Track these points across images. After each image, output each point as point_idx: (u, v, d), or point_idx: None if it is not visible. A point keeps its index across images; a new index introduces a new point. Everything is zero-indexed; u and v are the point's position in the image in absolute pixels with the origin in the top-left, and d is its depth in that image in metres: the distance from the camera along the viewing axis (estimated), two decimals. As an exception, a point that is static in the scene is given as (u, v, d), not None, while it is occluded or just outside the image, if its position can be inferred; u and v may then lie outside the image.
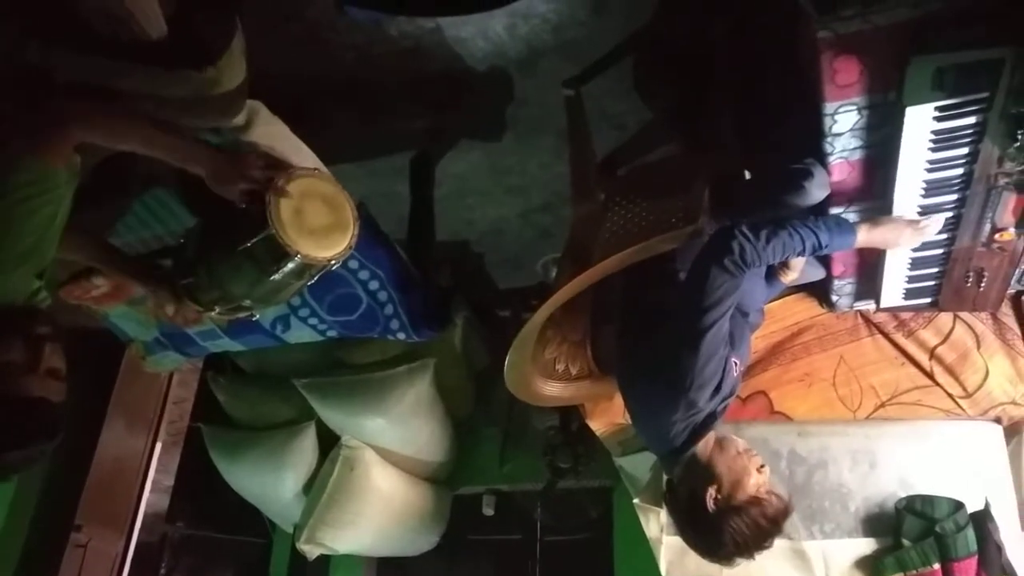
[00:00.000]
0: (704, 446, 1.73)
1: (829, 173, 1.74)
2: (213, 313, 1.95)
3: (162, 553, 3.96)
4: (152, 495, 3.90)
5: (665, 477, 1.91)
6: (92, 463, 3.57)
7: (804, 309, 2.28)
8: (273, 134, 1.82)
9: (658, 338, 1.80)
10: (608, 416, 2.80)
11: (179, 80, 1.55)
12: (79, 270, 2.54)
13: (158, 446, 3.91)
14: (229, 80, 1.62)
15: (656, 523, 2.62)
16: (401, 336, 2.64)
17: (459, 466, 3.69)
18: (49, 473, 3.61)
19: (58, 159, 1.35)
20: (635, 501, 2.71)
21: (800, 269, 1.99)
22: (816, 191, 1.71)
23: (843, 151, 1.71)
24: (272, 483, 3.41)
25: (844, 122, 1.66)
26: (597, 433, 2.91)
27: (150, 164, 1.78)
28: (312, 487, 3.39)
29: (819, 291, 2.21)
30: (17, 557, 3.57)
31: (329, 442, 3.39)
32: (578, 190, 2.25)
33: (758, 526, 1.66)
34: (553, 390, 2.37)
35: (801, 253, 1.67)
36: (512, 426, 3.53)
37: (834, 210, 1.84)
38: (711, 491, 1.68)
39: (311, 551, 3.35)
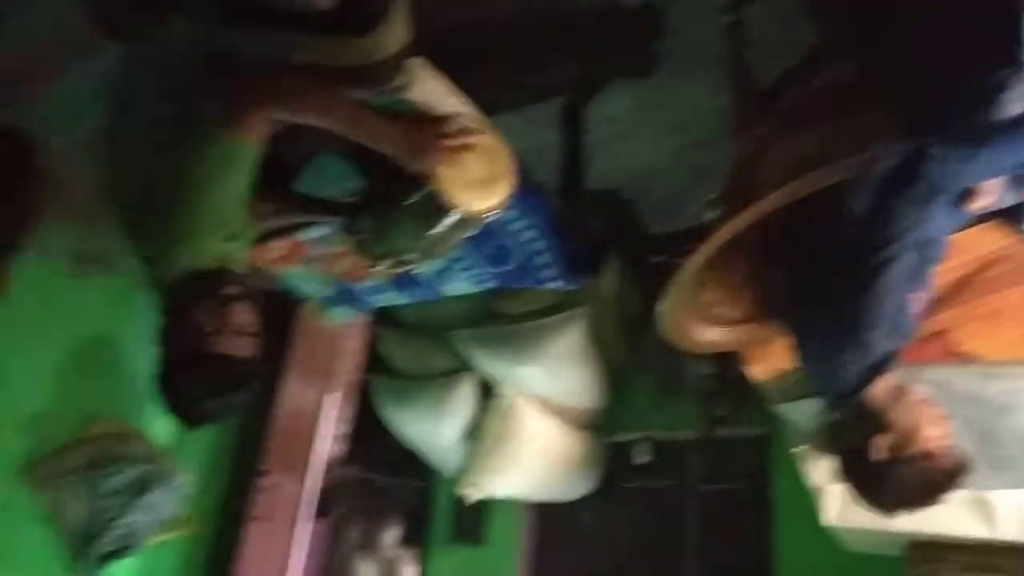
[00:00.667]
0: (877, 391, 1.65)
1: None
2: (381, 267, 2.05)
3: (339, 495, 4.27)
4: (329, 441, 4.22)
5: (831, 423, 1.83)
6: (275, 413, 3.91)
7: (994, 239, 2.08)
8: (433, 91, 1.87)
9: (829, 276, 1.72)
10: (769, 361, 2.71)
11: (345, 47, 1.62)
12: (258, 235, 2.77)
13: (333, 396, 4.22)
14: (392, 43, 1.67)
15: (819, 472, 2.54)
16: (555, 284, 2.67)
17: (613, 414, 3.71)
18: (239, 423, 3.99)
19: (249, 133, 1.45)
20: (797, 449, 2.63)
21: (995, 193, 1.81)
22: (1016, 102, 1.54)
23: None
24: (434, 430, 3.59)
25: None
26: (757, 379, 2.85)
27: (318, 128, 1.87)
28: (471, 434, 3.54)
29: (1012, 217, 2.01)
30: (218, 497, 3.99)
31: (488, 390, 3.51)
32: (739, 123, 2.16)
33: (926, 481, 1.58)
34: (711, 336, 2.34)
35: (1000, 173, 1.53)
36: (667, 373, 3.50)
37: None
38: (881, 440, 1.60)
39: (471, 495, 3.51)
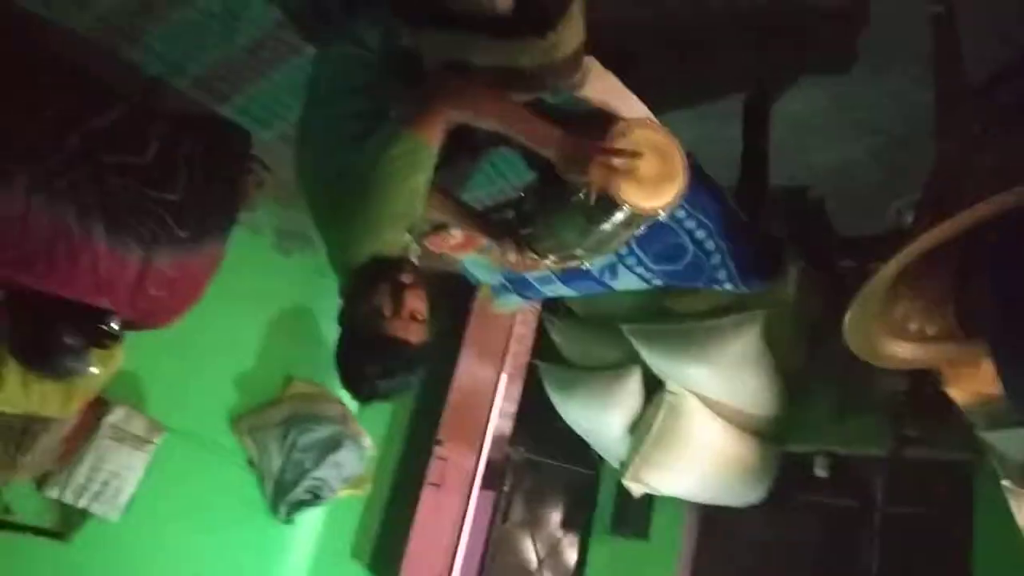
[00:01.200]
0: None
1: None
2: (548, 261, 2.07)
3: (505, 472, 4.42)
4: (499, 419, 4.39)
5: None
6: (451, 387, 4.11)
7: None
8: (605, 89, 1.85)
9: None
10: (973, 384, 2.47)
11: (524, 49, 1.63)
12: (439, 223, 2.90)
13: (504, 376, 4.37)
14: (568, 43, 1.67)
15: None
16: (728, 286, 2.56)
17: (789, 422, 3.50)
18: (419, 395, 4.24)
19: (430, 135, 1.52)
20: (1004, 483, 2.35)
21: None
22: None
23: None
24: (600, 420, 3.59)
25: None
26: (958, 402, 2.58)
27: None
28: (637, 428, 3.50)
29: None
30: (396, 461, 4.28)
31: (654, 386, 3.45)
32: (946, 120, 1.93)
33: None
34: (903, 352, 2.14)
35: None
36: (851, 386, 3.24)
37: None
38: None
39: (635, 489, 3.48)
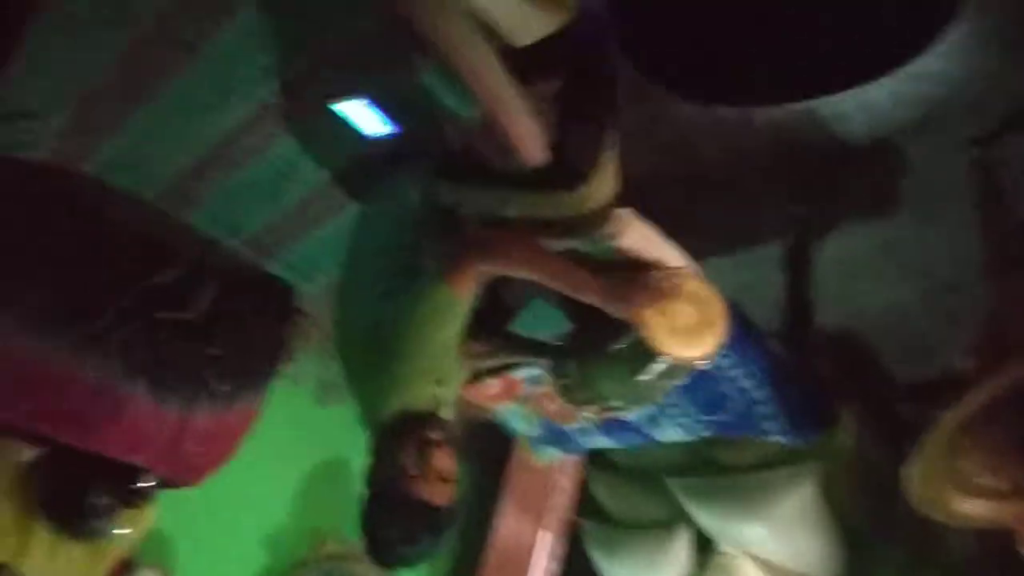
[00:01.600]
0: None
1: None
2: (587, 412, 2.02)
3: (549, 641, 4.09)
4: (541, 580, 4.12)
5: None
6: (489, 546, 3.91)
7: None
8: (641, 238, 1.87)
9: None
10: (1049, 543, 2.27)
11: (555, 201, 1.68)
12: (476, 372, 2.88)
13: (547, 533, 4.15)
14: (600, 194, 1.71)
15: None
16: (779, 438, 2.45)
17: (854, 586, 3.24)
18: (456, 554, 4.04)
19: (462, 288, 1.53)
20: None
21: None
22: None
23: None
24: (646, 583, 3.37)
25: None
26: (1035, 564, 2.37)
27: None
28: (688, 592, 3.27)
29: None
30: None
31: (705, 545, 3.25)
32: (994, 266, 1.91)
33: None
34: (974, 509, 2.00)
35: None
36: (921, 546, 3.01)
37: None
38: None
39: (685, 660, 3.20)
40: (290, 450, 3.50)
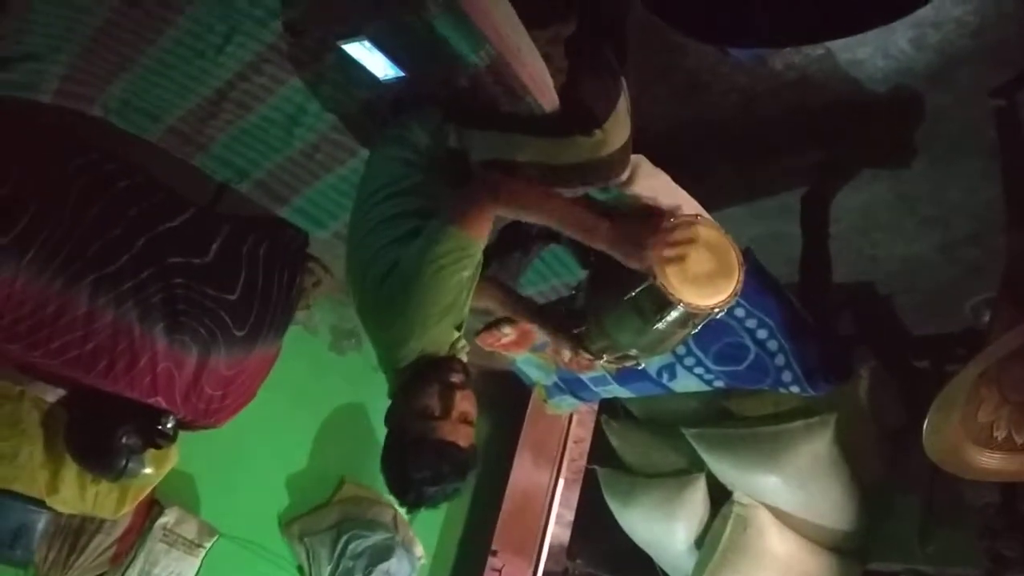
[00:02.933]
0: None
1: None
2: (602, 361, 2.01)
3: (562, 583, 4.19)
4: (556, 528, 4.19)
5: None
6: (505, 494, 3.98)
7: None
8: (655, 186, 1.83)
9: None
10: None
11: (570, 146, 1.64)
12: (492, 320, 2.88)
13: (561, 482, 4.21)
14: (615, 140, 1.67)
15: None
16: (794, 389, 2.43)
17: (870, 538, 3.24)
18: (472, 500, 4.11)
19: (476, 231, 1.51)
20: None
21: None
22: None
23: None
24: (663, 532, 3.40)
25: None
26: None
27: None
28: (703, 542, 3.30)
29: None
30: (449, 571, 4.12)
31: (721, 496, 3.27)
32: (1016, 216, 1.85)
33: None
34: (991, 462, 1.99)
35: None
36: (936, 498, 3.00)
37: None
38: None
39: (698, 606, 3.24)
40: (309, 396, 3.56)
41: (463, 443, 1.50)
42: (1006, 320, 1.75)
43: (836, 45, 1.92)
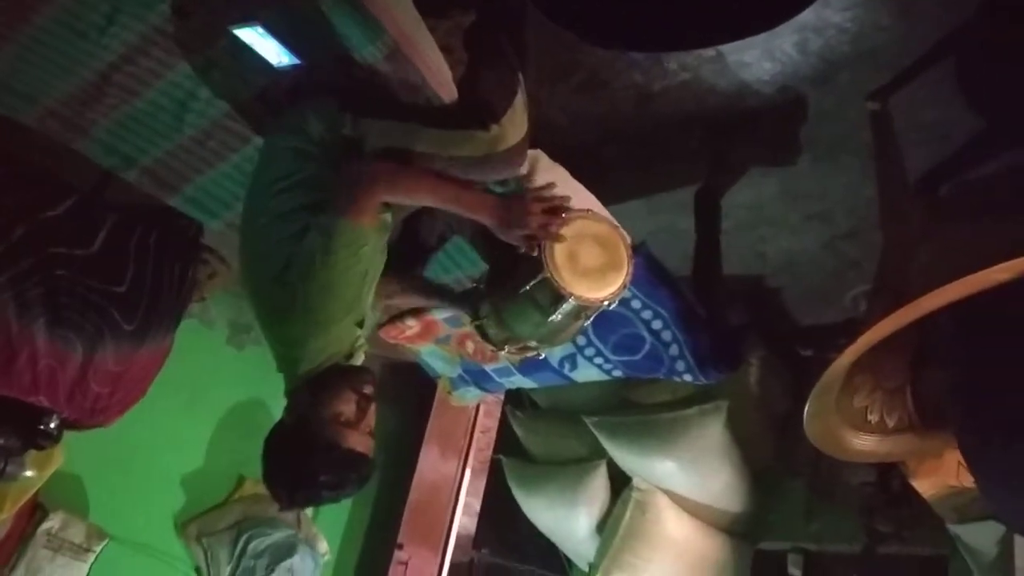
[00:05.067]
0: None
1: None
2: (504, 352, 2.03)
3: (469, 574, 4.21)
4: (463, 518, 4.21)
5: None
6: (411, 486, 3.97)
7: None
8: (552, 180, 1.86)
9: (1012, 392, 1.49)
10: (938, 476, 2.44)
11: (466, 139, 1.64)
12: (396, 313, 2.86)
13: (468, 471, 4.23)
14: (512, 135, 1.68)
15: None
16: (688, 378, 2.53)
17: (760, 519, 3.41)
18: (377, 494, 4.08)
19: (367, 219, 1.49)
20: (973, 577, 2.29)
21: None
22: None
23: None
24: (565, 519, 3.47)
25: None
26: (924, 496, 2.54)
27: (449, 216, 1.92)
28: (605, 527, 3.38)
29: None
30: (353, 569, 4.07)
31: (622, 482, 3.36)
32: (890, 213, 1.98)
33: None
34: (865, 444, 2.11)
35: None
36: (819, 479, 3.18)
37: None
38: None
39: (602, 591, 3.32)
40: (205, 392, 3.44)
41: (368, 453, 1.52)
42: (880, 311, 1.87)
43: (726, 48, 2.00)
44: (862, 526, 3.02)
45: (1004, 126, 1.95)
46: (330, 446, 1.47)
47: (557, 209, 1.68)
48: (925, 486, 2.48)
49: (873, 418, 2.08)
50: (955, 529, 2.58)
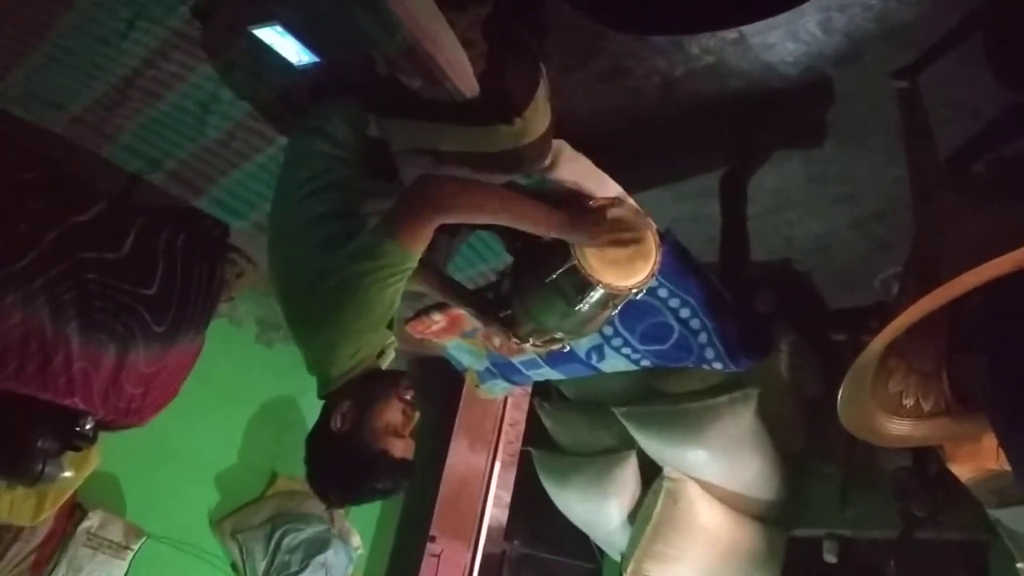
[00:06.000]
0: None
1: None
2: (530, 344, 2.02)
3: (502, 568, 4.23)
4: (494, 510, 4.23)
5: None
6: (442, 480, 3.99)
7: None
8: (577, 171, 1.85)
9: None
10: (977, 460, 2.39)
11: (491, 135, 1.64)
12: (422, 308, 2.87)
13: (497, 464, 4.24)
14: (536, 128, 1.67)
15: None
16: (717, 366, 2.50)
17: (793, 506, 3.37)
18: (410, 487, 4.10)
19: (416, 244, 1.47)
20: (1019, 565, 2.24)
21: None
22: None
23: None
24: (597, 510, 3.46)
25: None
26: (963, 480, 2.49)
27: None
28: (636, 517, 3.37)
29: None
30: (386, 562, 4.10)
31: (652, 472, 3.34)
32: (921, 193, 1.94)
33: None
34: (901, 429, 2.07)
35: None
36: (853, 465, 3.14)
37: None
38: None
39: (643, 583, 3.32)
40: (236, 390, 3.49)
41: (412, 458, 1.54)
42: (912, 293, 1.83)
43: (749, 29, 1.96)
44: (898, 511, 2.98)
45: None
46: (382, 456, 1.48)
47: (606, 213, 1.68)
48: (963, 470, 2.43)
49: (908, 402, 2.04)
50: (995, 513, 2.53)
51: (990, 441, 2.24)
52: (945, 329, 1.93)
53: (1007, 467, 2.28)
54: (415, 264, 1.49)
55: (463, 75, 1.61)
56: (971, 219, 1.72)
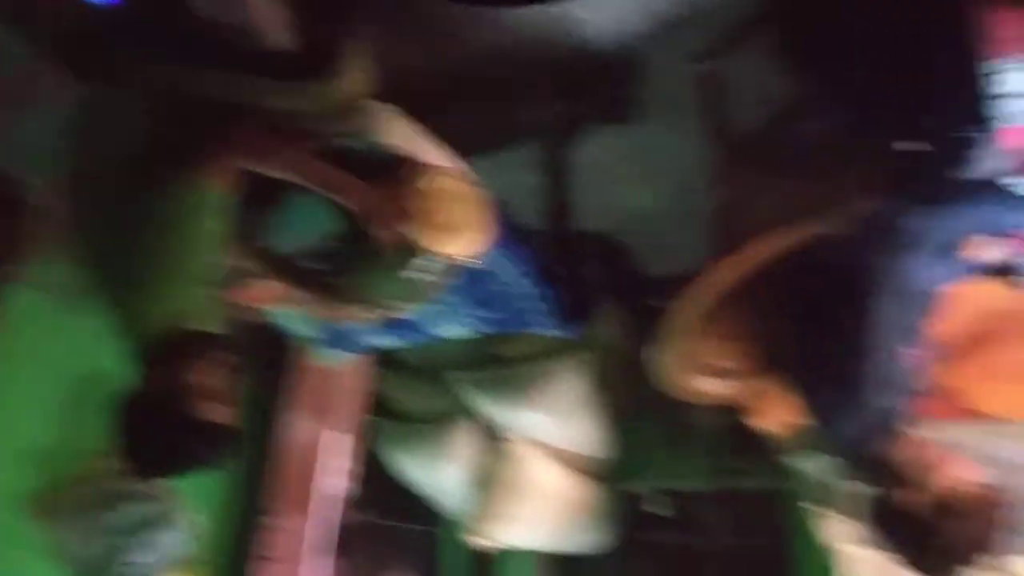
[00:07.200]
0: (892, 447, 1.58)
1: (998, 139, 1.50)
2: (362, 311, 2.01)
3: (347, 538, 4.21)
4: (333, 480, 4.17)
5: (848, 483, 1.73)
6: (278, 451, 3.88)
7: (998, 294, 1.96)
8: (402, 135, 1.84)
9: (825, 332, 1.66)
10: (776, 415, 2.61)
11: (303, 92, 1.60)
12: (249, 275, 2.76)
13: (337, 433, 4.18)
14: (352, 88, 1.65)
15: (835, 531, 2.42)
16: (548, 331, 2.60)
17: (623, 463, 3.58)
18: (244, 461, 3.97)
19: (221, 182, 1.43)
20: (807, 505, 2.50)
21: (994, 247, 1.72)
22: (984, 161, 1.47)
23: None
24: (435, 475, 3.52)
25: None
26: (765, 433, 2.73)
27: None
28: (476, 480, 3.46)
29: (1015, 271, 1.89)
30: (227, 537, 3.96)
31: (491, 435, 3.43)
32: (719, 172, 2.10)
33: (969, 529, 1.47)
34: (711, 387, 2.25)
35: (979, 230, 1.45)
36: (672, 423, 3.37)
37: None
38: (904, 494, 1.52)
39: (479, 544, 3.41)
40: (44, 361, 3.20)
41: (232, 423, 1.48)
42: (713, 264, 1.99)
43: (572, 5, 2.03)
44: (711, 464, 3.24)
45: (828, 87, 2.09)
46: (199, 422, 1.43)
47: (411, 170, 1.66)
48: (765, 423, 2.67)
49: (716, 362, 2.21)
50: (792, 463, 2.80)
51: (787, 397, 2.48)
52: (753, 295, 2.10)
53: (807, 421, 2.54)
54: (222, 201, 1.48)
55: (270, 26, 1.57)
56: (764, 197, 1.89)
